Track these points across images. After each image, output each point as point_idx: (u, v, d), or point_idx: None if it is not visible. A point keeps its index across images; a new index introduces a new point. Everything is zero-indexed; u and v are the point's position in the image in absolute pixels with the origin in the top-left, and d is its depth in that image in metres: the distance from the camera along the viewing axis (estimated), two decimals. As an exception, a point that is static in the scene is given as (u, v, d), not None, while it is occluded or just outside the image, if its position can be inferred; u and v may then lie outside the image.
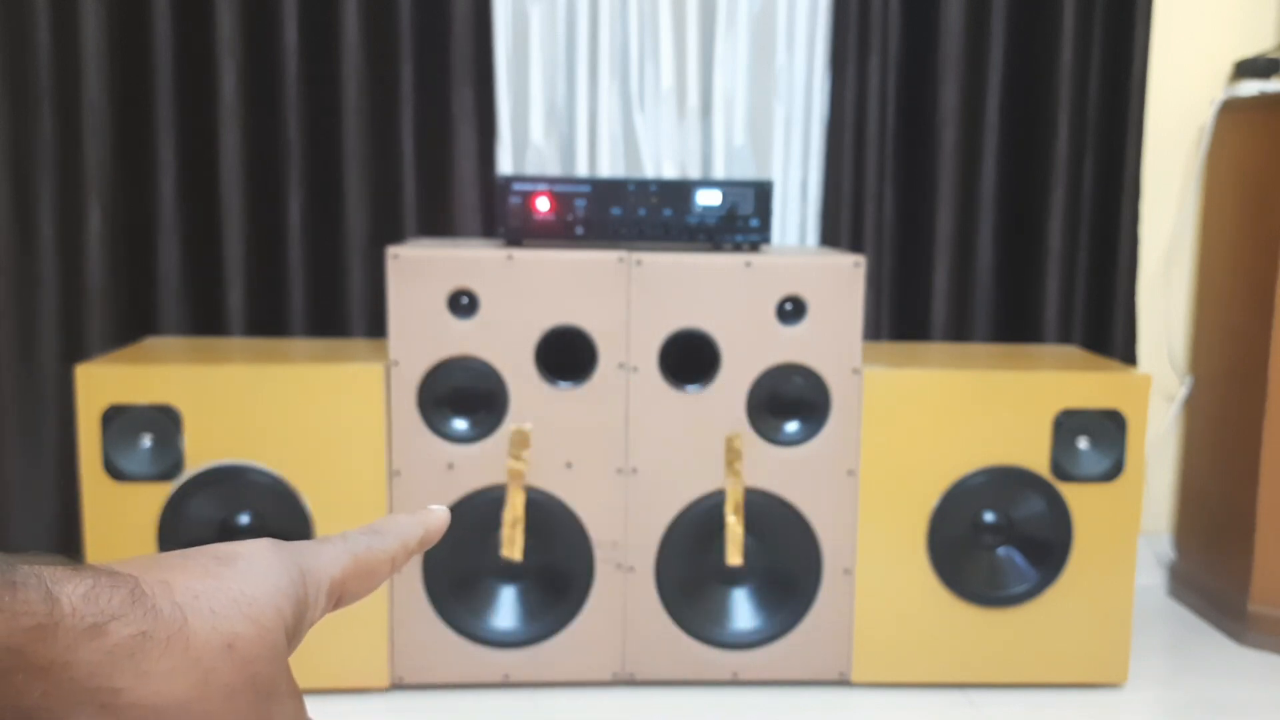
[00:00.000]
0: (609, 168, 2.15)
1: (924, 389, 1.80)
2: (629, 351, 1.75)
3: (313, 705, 1.77)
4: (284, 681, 0.33)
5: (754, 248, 1.82)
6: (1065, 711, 1.80)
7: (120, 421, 1.70)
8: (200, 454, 1.72)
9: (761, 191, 1.80)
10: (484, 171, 2.11)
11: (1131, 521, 1.83)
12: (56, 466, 2.07)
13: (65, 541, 2.08)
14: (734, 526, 1.79)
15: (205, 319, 2.10)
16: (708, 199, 1.80)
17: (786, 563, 1.82)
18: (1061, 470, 1.81)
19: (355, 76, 2.04)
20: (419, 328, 1.74)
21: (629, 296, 1.74)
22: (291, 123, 2.04)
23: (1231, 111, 2.18)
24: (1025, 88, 2.16)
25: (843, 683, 1.86)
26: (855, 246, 2.16)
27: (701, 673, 1.83)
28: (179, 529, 1.72)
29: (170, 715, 0.30)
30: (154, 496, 1.71)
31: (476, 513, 1.77)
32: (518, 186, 1.78)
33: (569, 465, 1.77)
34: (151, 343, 1.97)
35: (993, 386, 1.80)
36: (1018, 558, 1.85)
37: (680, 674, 1.83)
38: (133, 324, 2.09)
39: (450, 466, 1.76)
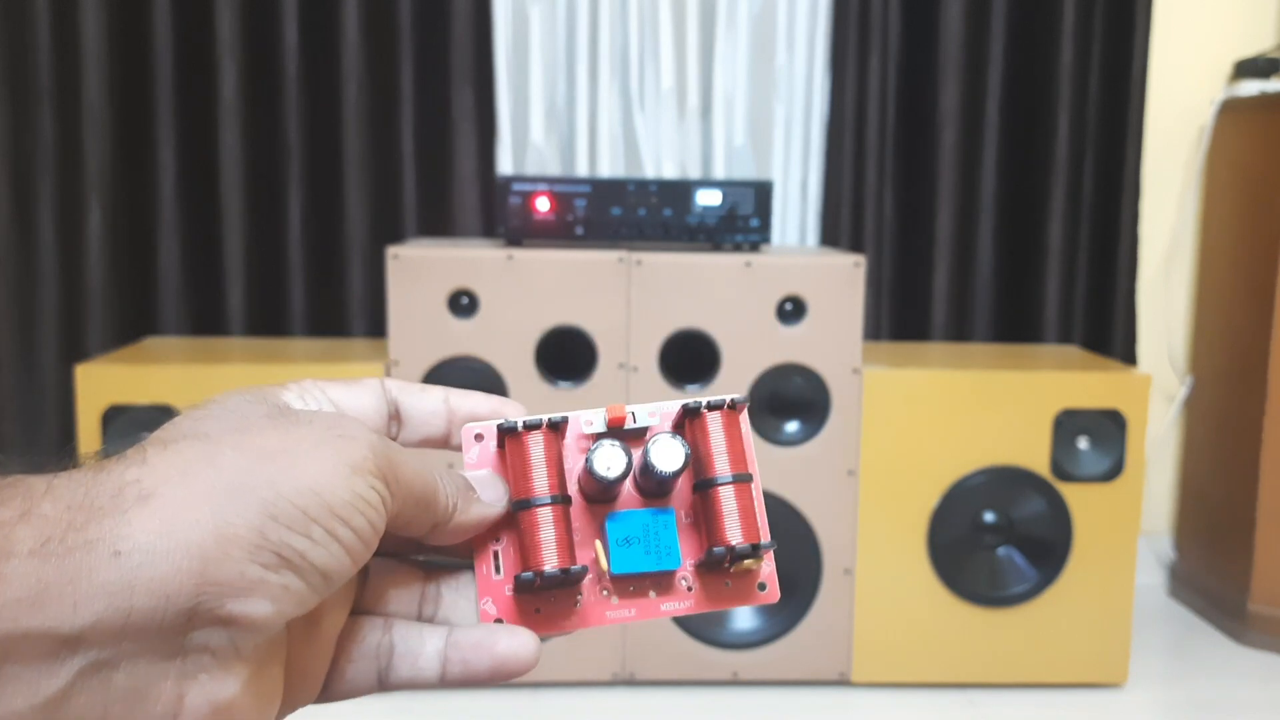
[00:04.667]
0: (609, 168, 2.15)
1: (924, 389, 1.80)
2: (629, 351, 1.75)
3: (313, 705, 1.77)
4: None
5: (754, 248, 1.82)
6: (1065, 711, 1.80)
7: (120, 421, 1.70)
8: (200, 454, 1.71)
9: (761, 191, 1.80)
10: (484, 171, 2.11)
11: (1131, 521, 1.83)
12: (56, 467, 2.07)
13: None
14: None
15: (205, 319, 2.10)
16: (708, 199, 1.80)
17: (786, 563, 1.82)
18: (1061, 470, 1.81)
19: (355, 76, 2.04)
20: (419, 328, 1.74)
21: (629, 296, 1.74)
22: (291, 123, 2.04)
23: (1231, 111, 2.18)
24: (1025, 88, 2.16)
25: (843, 683, 1.86)
26: (855, 246, 2.16)
27: (701, 673, 1.83)
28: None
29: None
30: (154, 496, 1.71)
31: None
32: (518, 186, 1.78)
33: (569, 465, 1.77)
34: (151, 343, 1.97)
35: (993, 386, 1.80)
36: (1018, 558, 1.85)
37: (680, 674, 1.83)
38: (133, 324, 2.09)
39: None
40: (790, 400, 1.79)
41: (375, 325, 2.10)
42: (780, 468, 1.79)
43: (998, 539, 1.84)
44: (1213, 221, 2.25)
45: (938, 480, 1.81)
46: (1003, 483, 1.82)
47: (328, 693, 0.36)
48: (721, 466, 0.36)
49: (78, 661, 0.27)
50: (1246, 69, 2.18)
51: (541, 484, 0.36)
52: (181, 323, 2.08)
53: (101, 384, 1.70)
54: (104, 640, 0.27)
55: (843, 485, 1.80)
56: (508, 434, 0.36)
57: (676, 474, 0.36)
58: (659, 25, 2.13)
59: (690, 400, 0.37)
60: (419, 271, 1.72)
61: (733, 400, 0.37)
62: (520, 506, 0.36)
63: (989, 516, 1.83)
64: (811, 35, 2.16)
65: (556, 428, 0.36)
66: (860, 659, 1.84)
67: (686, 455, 0.36)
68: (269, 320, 2.10)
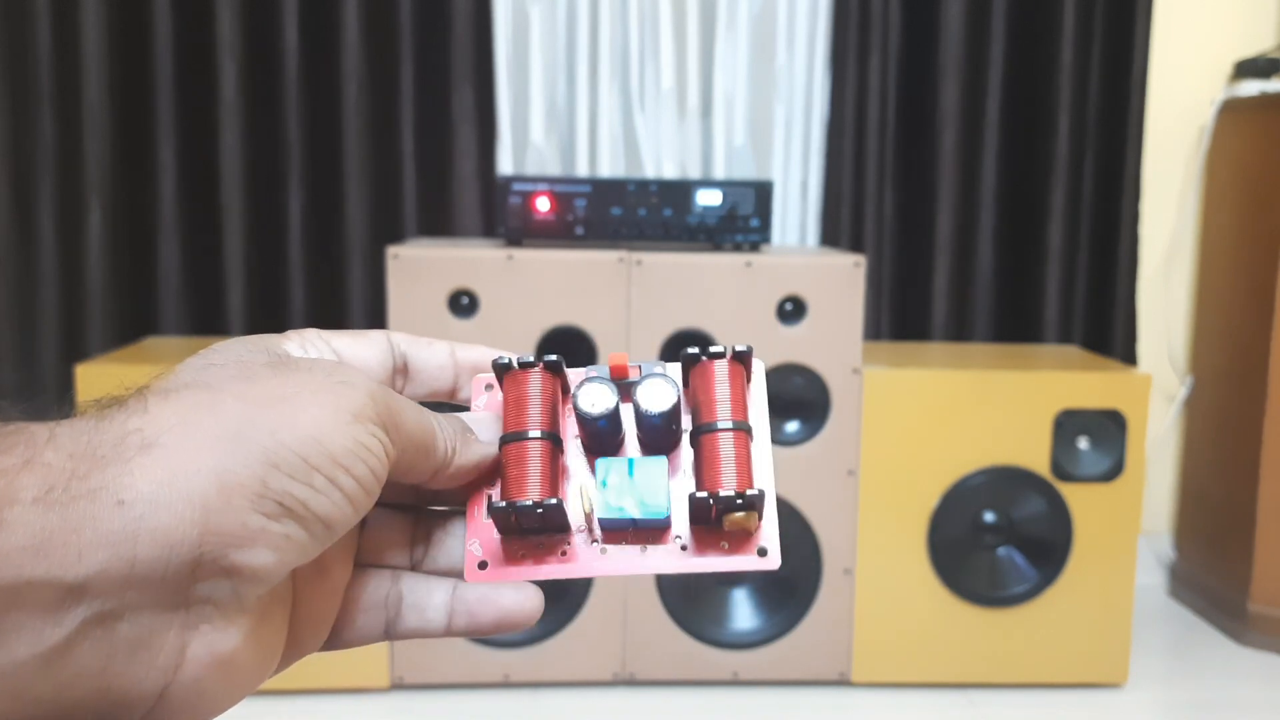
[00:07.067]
0: (609, 168, 2.15)
1: (924, 389, 1.80)
2: (629, 352, 1.75)
3: (313, 705, 1.77)
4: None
5: (754, 248, 1.82)
6: (1065, 711, 1.80)
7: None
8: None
9: (761, 191, 1.80)
10: (484, 171, 2.11)
11: (1131, 521, 1.83)
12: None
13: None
14: (734, 526, 1.79)
15: (205, 319, 2.10)
16: (708, 199, 1.80)
17: (787, 563, 1.82)
18: (1061, 470, 1.81)
19: (355, 76, 2.04)
20: (419, 328, 1.74)
21: (629, 296, 1.74)
22: (291, 123, 2.04)
23: (1231, 111, 2.18)
24: (1025, 88, 2.16)
25: (843, 683, 1.86)
26: (855, 246, 2.16)
27: (701, 673, 1.83)
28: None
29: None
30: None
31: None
32: (518, 186, 1.78)
33: (569, 465, 1.77)
34: (151, 343, 1.97)
35: (993, 386, 1.80)
36: (1018, 558, 1.85)
37: (680, 674, 1.83)
38: (133, 324, 2.09)
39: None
40: (790, 400, 1.79)
41: (375, 325, 2.10)
42: (780, 468, 1.79)
43: (998, 539, 1.84)
44: (1213, 221, 2.25)
45: (938, 480, 1.81)
46: (1003, 483, 1.82)
47: (335, 641, 0.36)
48: (722, 413, 0.35)
49: (81, 611, 0.27)
50: (1246, 69, 2.18)
51: (533, 419, 0.35)
52: (181, 323, 2.08)
53: (101, 384, 1.69)
54: (108, 590, 0.27)
55: (843, 485, 1.80)
56: (504, 371, 0.36)
57: (665, 415, 0.35)
58: (659, 25, 2.13)
59: (690, 348, 0.36)
60: (419, 271, 1.73)
61: (735, 349, 0.36)
62: (508, 440, 0.35)
63: (989, 516, 1.83)
64: (811, 35, 2.16)
65: (554, 369, 0.36)
66: (860, 659, 1.84)
67: (677, 397, 0.35)
68: (269, 320, 2.10)
